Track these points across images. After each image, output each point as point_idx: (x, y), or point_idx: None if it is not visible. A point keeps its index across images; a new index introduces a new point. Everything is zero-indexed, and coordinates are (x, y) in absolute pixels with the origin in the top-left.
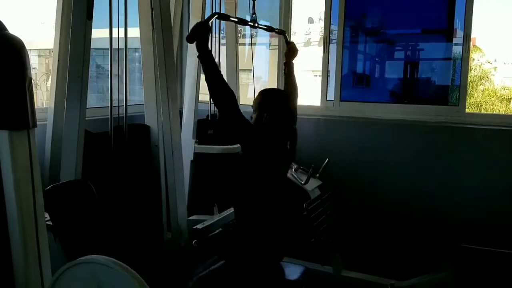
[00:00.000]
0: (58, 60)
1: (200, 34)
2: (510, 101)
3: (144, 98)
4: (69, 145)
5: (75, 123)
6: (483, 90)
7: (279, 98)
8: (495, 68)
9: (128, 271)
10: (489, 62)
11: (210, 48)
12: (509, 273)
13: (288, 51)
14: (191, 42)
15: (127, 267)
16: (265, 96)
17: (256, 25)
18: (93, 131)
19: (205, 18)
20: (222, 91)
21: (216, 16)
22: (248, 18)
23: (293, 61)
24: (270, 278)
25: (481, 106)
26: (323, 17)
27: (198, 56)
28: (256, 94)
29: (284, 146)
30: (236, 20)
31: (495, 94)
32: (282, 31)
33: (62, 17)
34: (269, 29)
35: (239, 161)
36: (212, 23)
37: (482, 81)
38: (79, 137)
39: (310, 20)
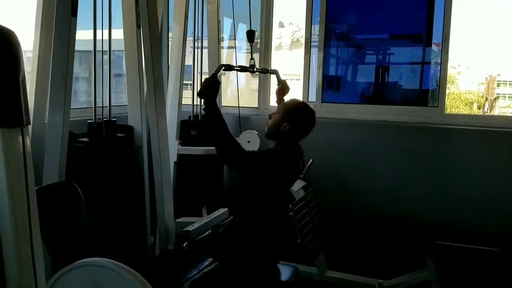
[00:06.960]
0: (38, 59)
1: (211, 93)
2: (473, 104)
3: (127, 99)
4: (52, 146)
5: (58, 124)
6: (448, 94)
7: (308, 115)
8: (459, 72)
9: (131, 273)
10: (453, 67)
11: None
12: (488, 267)
13: (279, 90)
14: (202, 98)
15: (130, 270)
16: (295, 107)
17: (255, 70)
18: (75, 132)
19: (213, 72)
20: (230, 149)
21: (223, 68)
22: (230, 21)
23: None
24: (265, 279)
25: (447, 109)
26: (293, 21)
27: (204, 109)
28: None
29: (298, 167)
30: (239, 68)
31: (460, 98)
32: (274, 71)
33: (43, 14)
34: (264, 71)
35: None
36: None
37: (448, 85)
38: (63, 138)
39: (281, 24)
